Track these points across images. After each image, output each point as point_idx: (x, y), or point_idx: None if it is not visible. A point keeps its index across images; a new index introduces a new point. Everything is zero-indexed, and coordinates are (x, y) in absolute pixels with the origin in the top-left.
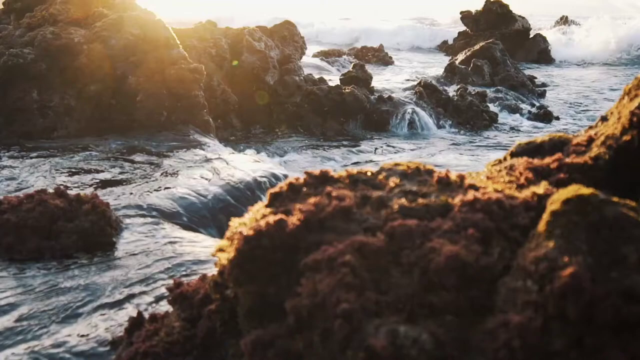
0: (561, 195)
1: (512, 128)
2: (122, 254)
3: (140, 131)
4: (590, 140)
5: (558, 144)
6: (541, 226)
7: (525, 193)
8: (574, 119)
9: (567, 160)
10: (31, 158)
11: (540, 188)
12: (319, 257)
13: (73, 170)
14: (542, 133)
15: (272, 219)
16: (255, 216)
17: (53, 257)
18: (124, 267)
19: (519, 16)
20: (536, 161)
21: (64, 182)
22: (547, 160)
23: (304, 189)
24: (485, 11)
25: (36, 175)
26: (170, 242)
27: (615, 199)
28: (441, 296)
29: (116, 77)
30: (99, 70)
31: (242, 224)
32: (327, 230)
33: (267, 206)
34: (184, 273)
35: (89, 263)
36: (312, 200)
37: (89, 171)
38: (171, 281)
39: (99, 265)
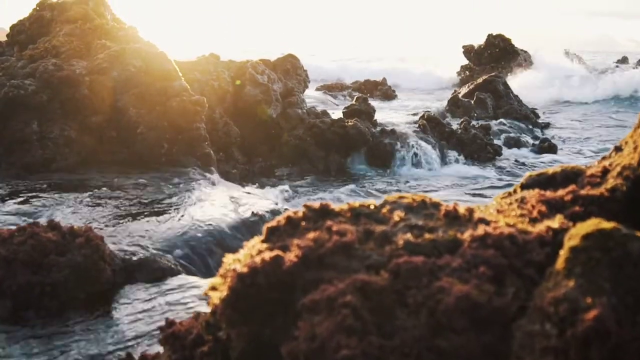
0: (580, 229)
1: (516, 160)
2: (115, 289)
3: (140, 163)
4: (605, 171)
5: (571, 175)
6: (559, 263)
7: (539, 227)
8: (578, 152)
9: (582, 192)
10: (29, 190)
11: (555, 222)
12: (317, 297)
13: (70, 203)
14: (547, 165)
15: (268, 255)
16: (251, 252)
17: (43, 292)
18: (117, 303)
19: (521, 50)
20: (549, 193)
21: (60, 215)
22: (561, 192)
23: (303, 223)
24: (487, 45)
25: (33, 208)
26: (164, 280)
27: (638, 233)
28: (451, 340)
29: (117, 109)
30: (100, 102)
31: (236, 261)
32: (326, 267)
33: (263, 241)
34: (177, 312)
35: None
36: (311, 235)
37: (86, 204)
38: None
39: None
